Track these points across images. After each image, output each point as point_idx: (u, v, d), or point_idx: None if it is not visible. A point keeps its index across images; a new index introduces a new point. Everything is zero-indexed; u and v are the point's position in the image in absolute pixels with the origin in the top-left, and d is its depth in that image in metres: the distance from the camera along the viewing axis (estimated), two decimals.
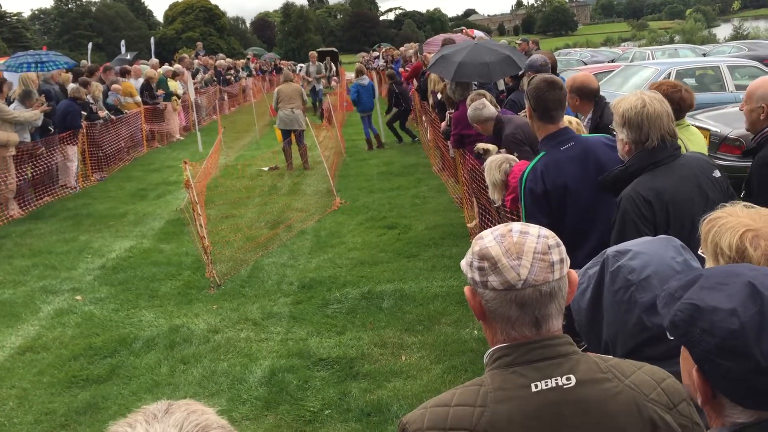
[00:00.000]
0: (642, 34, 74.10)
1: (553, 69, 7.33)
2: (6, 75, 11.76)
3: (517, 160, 4.83)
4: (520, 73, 7.86)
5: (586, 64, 20.64)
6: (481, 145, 5.94)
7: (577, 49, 34.43)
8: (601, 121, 4.99)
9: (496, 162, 4.88)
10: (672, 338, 1.31)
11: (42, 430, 4.52)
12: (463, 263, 1.53)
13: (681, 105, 4.11)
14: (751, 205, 1.95)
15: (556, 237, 1.49)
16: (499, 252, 1.45)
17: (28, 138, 10.63)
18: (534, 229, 1.49)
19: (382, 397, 4.57)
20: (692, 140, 4.18)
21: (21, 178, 10.49)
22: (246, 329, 5.87)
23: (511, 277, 1.43)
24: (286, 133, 12.98)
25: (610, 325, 1.87)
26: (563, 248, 1.48)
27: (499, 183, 4.88)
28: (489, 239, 1.48)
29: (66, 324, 6.26)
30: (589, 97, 5.10)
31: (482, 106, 5.92)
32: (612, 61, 22.40)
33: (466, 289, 1.54)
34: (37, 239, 9.19)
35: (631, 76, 12.52)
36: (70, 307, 6.66)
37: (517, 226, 1.50)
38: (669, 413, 1.45)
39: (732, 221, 1.90)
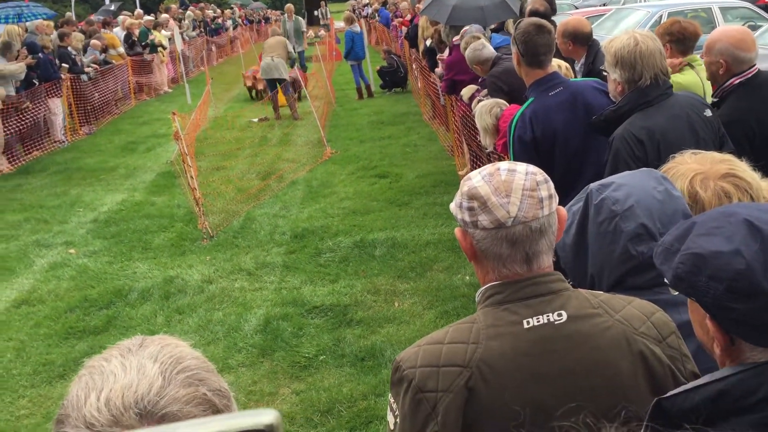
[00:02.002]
0: None
1: (548, 17, 7.26)
2: None
3: (507, 105, 4.80)
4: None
5: (577, 8, 20.35)
6: (465, 90, 5.93)
7: None
8: (594, 66, 4.96)
9: (487, 107, 4.86)
10: (677, 292, 1.30)
11: (41, 380, 4.59)
12: (452, 205, 1.54)
13: (684, 35, 4.06)
14: (699, 151, 2.03)
15: (544, 173, 1.50)
16: (488, 191, 1.45)
17: (12, 92, 10.47)
18: (522, 166, 1.50)
19: (375, 343, 4.64)
20: (703, 75, 4.08)
21: (8, 132, 10.37)
22: (240, 279, 5.92)
23: (500, 215, 1.44)
24: (271, 84, 12.86)
25: (595, 257, 1.90)
26: (551, 184, 1.49)
27: (490, 128, 4.87)
28: (477, 179, 1.49)
29: (60, 277, 6.29)
30: (582, 42, 5.04)
31: (482, 46, 5.85)
32: (604, 4, 22.07)
33: (457, 231, 1.55)
34: (28, 194, 9.15)
35: (622, 19, 12.38)
36: (63, 261, 6.68)
37: (504, 164, 1.51)
38: (658, 346, 1.48)
39: (682, 168, 1.98)
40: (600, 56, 4.99)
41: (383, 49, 17.30)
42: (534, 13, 7.20)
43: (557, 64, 4.29)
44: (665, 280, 1.30)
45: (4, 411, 4.29)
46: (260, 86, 14.71)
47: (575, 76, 4.79)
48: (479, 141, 6.75)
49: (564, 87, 3.67)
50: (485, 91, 5.79)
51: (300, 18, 18.46)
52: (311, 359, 4.56)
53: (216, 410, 0.90)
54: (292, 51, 13.79)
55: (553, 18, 7.05)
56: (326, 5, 30.88)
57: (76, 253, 6.84)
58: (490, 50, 5.84)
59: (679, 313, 1.61)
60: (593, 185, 1.97)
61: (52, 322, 5.42)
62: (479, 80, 6.28)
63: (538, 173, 1.49)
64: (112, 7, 25.25)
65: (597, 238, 1.91)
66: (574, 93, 3.66)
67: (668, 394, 1.26)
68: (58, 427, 0.87)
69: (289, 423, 3.96)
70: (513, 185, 1.45)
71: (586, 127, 3.60)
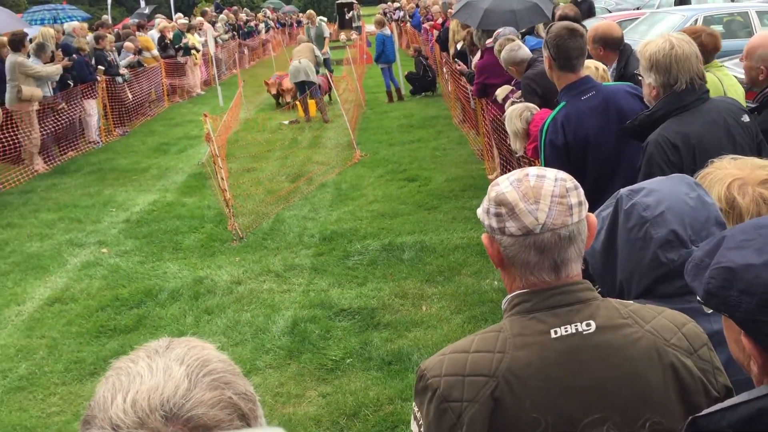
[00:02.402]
0: None
1: (578, 21, 7.21)
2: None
3: (538, 109, 4.76)
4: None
5: (610, 11, 20.14)
6: (499, 90, 5.90)
7: None
8: (625, 71, 4.89)
9: (517, 111, 4.82)
10: (710, 310, 1.26)
11: (72, 378, 4.65)
12: (480, 210, 1.52)
13: (704, 49, 4.00)
14: (738, 156, 1.98)
15: (574, 180, 1.47)
16: (516, 197, 1.43)
17: (49, 92, 10.67)
18: (551, 172, 1.47)
19: (402, 347, 4.63)
20: (726, 82, 4.06)
21: (44, 133, 10.57)
22: (268, 281, 5.94)
23: (529, 221, 1.42)
24: (300, 87, 12.97)
25: (625, 263, 1.87)
26: (581, 191, 1.46)
27: (520, 132, 4.82)
28: (505, 184, 1.46)
29: (93, 276, 6.38)
30: (613, 47, 4.97)
31: (518, 47, 5.81)
32: (638, 8, 21.80)
33: (484, 237, 1.53)
34: (63, 193, 9.31)
35: (656, 23, 12.20)
36: (96, 260, 6.78)
37: (533, 170, 1.48)
38: (690, 358, 1.44)
39: (719, 174, 1.93)
40: (632, 61, 4.92)
41: (413, 46, 17.26)
42: (564, 17, 7.16)
43: (594, 66, 4.23)
44: (698, 298, 1.26)
45: (36, 408, 4.35)
46: (288, 96, 14.31)
47: (610, 79, 4.71)
48: (509, 145, 6.70)
49: (596, 91, 3.62)
50: (519, 92, 5.75)
51: (323, 24, 17.81)
52: (338, 362, 4.55)
53: (241, 414, 0.89)
54: (320, 55, 13.88)
55: (583, 23, 7.00)
56: (358, 9, 30.97)
57: (108, 253, 6.94)
58: (525, 51, 5.79)
59: (710, 323, 1.57)
60: (623, 190, 1.94)
61: (84, 320, 5.50)
62: (513, 82, 6.24)
63: (567, 179, 1.46)
64: (147, 11, 25.63)
65: (626, 245, 1.87)
66: (607, 97, 3.61)
67: (704, 412, 1.22)
68: (84, 427, 0.87)
69: (315, 426, 3.96)
70: (542, 191, 1.43)
71: (618, 132, 3.55)
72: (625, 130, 3.33)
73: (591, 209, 2.05)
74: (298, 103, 13.56)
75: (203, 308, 5.52)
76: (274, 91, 15.14)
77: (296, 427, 3.95)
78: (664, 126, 3.03)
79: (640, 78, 3.27)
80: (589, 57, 4.74)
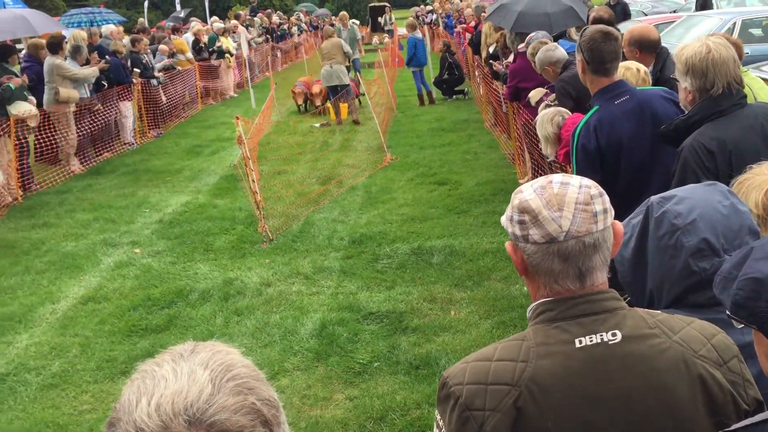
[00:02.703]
0: None
1: (611, 24, 7.12)
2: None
3: (570, 113, 4.70)
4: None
5: (646, 14, 19.87)
6: (533, 93, 5.86)
7: None
8: (662, 74, 4.81)
9: (548, 115, 4.77)
10: (740, 324, 1.23)
11: (104, 376, 4.73)
12: (504, 218, 1.51)
13: None
14: None
15: (599, 186, 1.45)
16: (540, 204, 1.41)
17: (85, 94, 10.86)
18: (575, 179, 1.45)
19: (430, 351, 4.61)
20: (754, 86, 3.99)
21: (81, 134, 10.77)
22: (297, 283, 5.97)
23: (552, 229, 1.40)
24: (332, 89, 13.02)
25: (655, 272, 1.83)
26: (606, 198, 1.44)
27: (551, 137, 4.78)
28: (528, 192, 1.45)
29: (126, 276, 6.48)
30: (649, 49, 4.89)
31: (554, 47, 5.76)
32: (674, 11, 21.49)
33: (508, 245, 1.51)
34: (98, 194, 9.47)
35: (693, 26, 12.00)
36: (129, 260, 6.88)
37: (557, 177, 1.47)
38: (719, 370, 1.41)
39: (757, 180, 1.88)
40: (668, 64, 4.84)
41: (443, 40, 17.14)
42: (597, 20, 7.06)
43: (636, 68, 4.15)
44: (726, 312, 1.23)
45: (68, 405, 4.43)
46: (318, 100, 14.24)
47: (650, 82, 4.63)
48: (541, 149, 6.65)
49: (630, 95, 3.57)
50: (553, 95, 5.70)
51: (355, 26, 17.39)
52: (365, 365, 4.55)
53: (264, 420, 0.89)
54: (349, 51, 13.79)
55: (618, 26, 6.90)
56: (390, 12, 31.01)
57: (141, 253, 7.04)
58: (562, 52, 5.73)
59: (741, 334, 1.54)
60: (654, 198, 1.91)
61: (116, 319, 5.58)
62: (546, 85, 6.18)
63: (592, 186, 1.44)
64: (182, 14, 25.98)
65: (657, 253, 1.84)
66: (641, 102, 3.56)
67: (734, 427, 1.19)
68: (109, 429, 0.88)
69: (342, 429, 3.96)
70: (566, 198, 1.41)
71: (653, 138, 3.49)
72: (660, 135, 3.28)
73: (624, 216, 2.02)
74: (329, 105, 13.64)
75: (233, 309, 5.57)
76: (300, 101, 14.82)
77: (323, 430, 3.96)
78: (700, 131, 2.97)
79: (676, 82, 3.22)
80: (625, 59, 4.68)
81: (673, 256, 1.80)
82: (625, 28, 6.86)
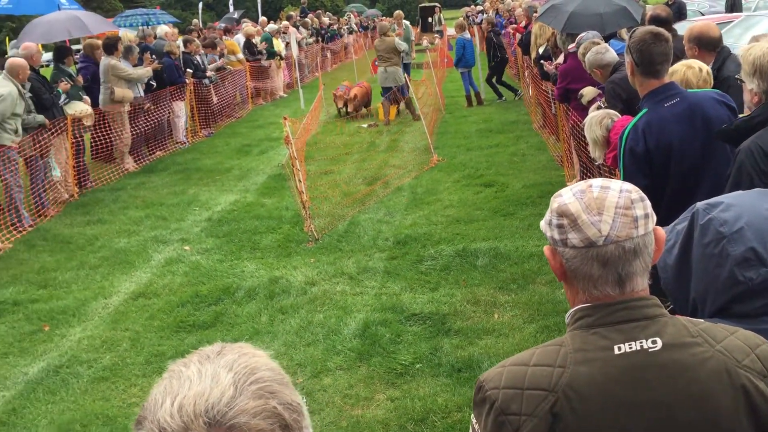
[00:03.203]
0: None
1: (669, 22, 6.97)
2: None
3: (619, 116, 4.62)
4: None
5: (702, 14, 19.38)
6: (586, 91, 5.78)
7: None
8: (720, 73, 4.68)
9: (597, 117, 4.69)
10: None
11: (152, 370, 4.83)
12: (542, 222, 1.50)
13: None
14: None
15: (640, 191, 1.43)
16: (579, 208, 1.40)
17: (141, 94, 11.13)
18: (616, 183, 1.43)
19: (473, 354, 4.59)
20: None
21: (135, 133, 11.04)
22: (342, 283, 6.01)
23: (591, 233, 1.38)
24: (386, 90, 13.10)
25: (700, 280, 1.79)
26: (648, 203, 1.42)
27: (600, 139, 4.69)
28: (568, 196, 1.44)
29: (175, 272, 6.61)
30: (709, 47, 4.76)
31: (605, 50, 5.68)
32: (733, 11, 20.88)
33: (546, 249, 1.50)
34: (150, 192, 9.70)
35: (751, 26, 11.64)
36: (178, 257, 7.02)
37: (597, 181, 1.45)
38: (763, 381, 1.37)
39: None
40: (728, 64, 4.70)
41: (486, 18, 16.91)
42: (655, 18, 6.92)
43: (698, 67, 4.05)
44: None
45: (117, 398, 4.55)
46: (352, 106, 14.12)
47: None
48: (590, 152, 6.55)
49: (681, 98, 3.49)
50: (604, 98, 5.62)
51: (410, 27, 16.84)
52: (407, 366, 4.56)
53: (284, 425, 0.90)
54: (405, 47, 13.82)
55: (674, 26, 6.74)
56: (440, 12, 30.92)
57: (190, 250, 7.18)
58: (612, 55, 5.64)
59: None
60: (700, 204, 1.87)
61: (165, 315, 5.70)
62: (598, 86, 6.10)
63: (633, 191, 1.42)
64: (236, 15, 26.39)
65: (702, 261, 1.80)
66: (693, 104, 3.48)
67: None
68: (136, 428, 0.91)
69: (383, 429, 3.98)
70: (606, 203, 1.39)
71: (704, 141, 3.41)
72: (720, 133, 3.18)
73: (673, 220, 1.98)
74: (379, 106, 13.70)
75: (278, 308, 5.63)
76: (341, 104, 14.50)
77: (364, 429, 3.98)
78: (760, 134, 2.88)
79: (741, 82, 3.12)
80: (679, 59, 4.57)
81: (718, 265, 1.76)
82: (682, 28, 6.71)
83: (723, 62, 4.72)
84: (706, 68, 4.10)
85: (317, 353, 4.82)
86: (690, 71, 3.99)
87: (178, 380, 0.91)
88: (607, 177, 4.78)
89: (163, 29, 14.06)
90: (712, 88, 4.39)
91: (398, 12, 17.05)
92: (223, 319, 5.55)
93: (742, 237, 1.70)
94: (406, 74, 13.81)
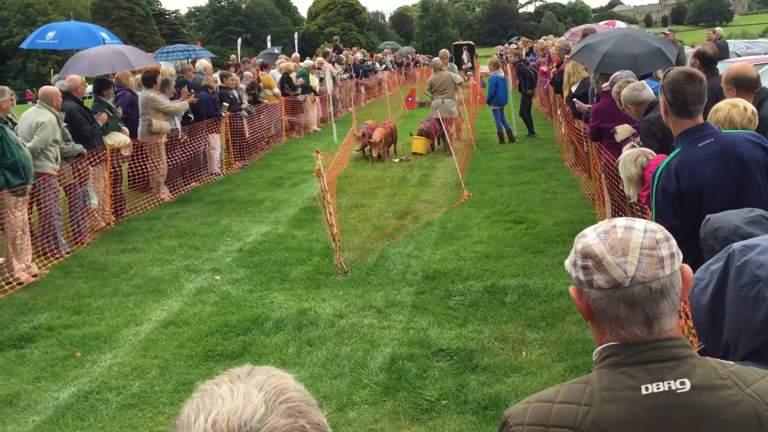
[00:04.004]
0: None
1: (714, 61, 6.95)
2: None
3: (654, 154, 4.60)
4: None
5: (739, 56, 19.27)
6: (621, 129, 5.78)
7: (731, 41, 32.20)
8: (759, 114, 4.64)
9: (632, 156, 4.68)
10: None
11: (180, 399, 4.86)
12: (567, 262, 1.50)
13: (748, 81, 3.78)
14: None
15: (665, 230, 1.42)
16: (603, 249, 1.40)
17: (177, 126, 11.39)
18: (640, 223, 1.43)
19: (500, 392, 4.54)
20: None
21: (171, 163, 11.27)
22: (369, 316, 6.01)
23: (617, 274, 1.38)
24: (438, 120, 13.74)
25: (733, 322, 1.77)
26: (673, 242, 1.41)
27: (634, 177, 4.68)
28: (592, 236, 1.44)
29: (205, 302, 6.68)
30: (747, 88, 4.74)
31: (642, 87, 5.68)
32: None
33: (572, 289, 1.50)
34: (184, 221, 9.85)
35: None
36: (209, 286, 7.10)
37: (621, 221, 1.45)
38: None
39: None
40: (766, 104, 4.67)
41: (514, 53, 17.18)
42: (701, 54, 6.91)
43: (743, 106, 4.03)
44: None
45: (144, 426, 4.58)
46: (376, 152, 13.50)
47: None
48: (621, 190, 6.51)
49: (714, 138, 3.48)
50: (639, 137, 5.61)
51: (455, 65, 16.50)
52: (433, 403, 4.52)
53: None
54: (461, 80, 14.69)
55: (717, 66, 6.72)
56: (466, 50, 31.21)
57: (221, 280, 7.26)
58: (649, 92, 5.64)
59: None
60: (736, 245, 1.85)
61: (195, 344, 5.75)
62: (633, 124, 6.09)
63: (657, 230, 1.42)
64: (276, 50, 26.95)
65: (736, 303, 1.78)
66: (726, 145, 3.46)
67: None
68: None
69: None
70: (630, 243, 1.39)
71: (737, 181, 3.39)
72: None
73: (706, 260, 1.96)
74: (413, 139, 13.86)
75: (305, 339, 5.65)
76: (359, 146, 13.86)
77: None
78: None
79: None
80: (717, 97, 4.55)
81: (753, 309, 1.74)
82: (722, 67, 6.69)
83: (761, 102, 4.69)
84: (752, 108, 4.07)
85: (343, 386, 4.81)
86: (735, 110, 3.97)
87: (210, 398, 0.95)
88: (639, 216, 4.76)
89: (202, 63, 14.43)
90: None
91: (444, 51, 16.91)
92: (251, 349, 5.57)
93: None
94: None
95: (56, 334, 6.09)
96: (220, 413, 0.92)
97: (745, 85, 4.69)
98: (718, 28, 18.58)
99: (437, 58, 15.28)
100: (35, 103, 8.64)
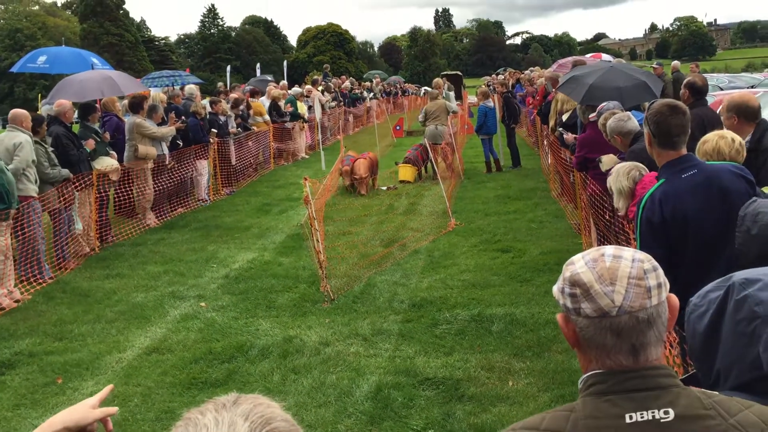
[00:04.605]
0: None
1: (704, 92, 7.09)
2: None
3: (647, 170, 4.63)
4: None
5: (722, 89, 19.59)
6: (606, 159, 5.84)
7: (714, 74, 32.69)
8: (759, 145, 4.69)
9: (625, 168, 4.72)
10: None
11: (161, 427, 4.80)
12: (555, 289, 1.51)
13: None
14: None
15: (653, 260, 1.43)
16: (591, 278, 1.41)
17: (164, 152, 11.37)
18: (628, 252, 1.44)
19: (486, 422, 4.51)
20: None
21: (157, 189, 11.23)
22: (356, 344, 5.98)
23: (604, 303, 1.39)
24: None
25: (727, 354, 1.77)
26: (660, 272, 1.42)
27: (625, 190, 4.71)
28: (580, 264, 1.44)
29: (190, 328, 6.62)
30: (749, 117, 4.78)
31: (627, 118, 5.76)
32: (752, 87, 21.11)
33: (559, 317, 1.51)
34: (170, 247, 9.79)
35: None
36: (194, 313, 7.04)
37: (609, 249, 1.46)
38: None
39: None
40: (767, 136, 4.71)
41: (500, 83, 17.48)
42: (691, 85, 7.04)
43: (731, 138, 4.07)
44: None
45: None
46: (362, 189, 12.98)
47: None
48: (607, 219, 6.56)
49: (698, 169, 3.53)
50: None
51: (451, 94, 16.11)
52: None
53: None
54: (455, 108, 15.21)
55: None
56: (461, 79, 31.53)
57: (206, 307, 7.20)
58: (634, 123, 5.72)
59: None
60: (737, 277, 1.84)
61: (178, 371, 5.69)
62: (619, 155, 6.16)
63: (645, 260, 1.43)
64: (269, 78, 27.04)
65: (732, 336, 1.78)
66: (710, 176, 3.51)
67: None
68: None
69: None
70: (618, 272, 1.40)
71: (721, 212, 3.42)
72: None
73: (691, 290, 1.97)
74: (400, 167, 13.92)
75: (291, 367, 5.60)
76: (348, 182, 13.18)
77: None
78: None
79: None
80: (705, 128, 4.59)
81: (748, 345, 1.74)
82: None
83: (763, 133, 4.72)
84: (739, 139, 4.11)
85: (328, 415, 4.77)
86: (722, 141, 4.01)
87: (194, 427, 0.94)
88: (624, 245, 4.78)
89: (191, 89, 14.47)
90: (754, 158, 4.37)
91: (437, 80, 16.70)
92: (236, 377, 5.52)
93: None
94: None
95: (37, 361, 6.00)
96: None
97: (748, 114, 4.73)
98: (675, 62, 19.09)
99: (432, 89, 15.71)
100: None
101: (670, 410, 1.37)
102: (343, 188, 13.39)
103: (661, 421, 1.36)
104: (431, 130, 13.97)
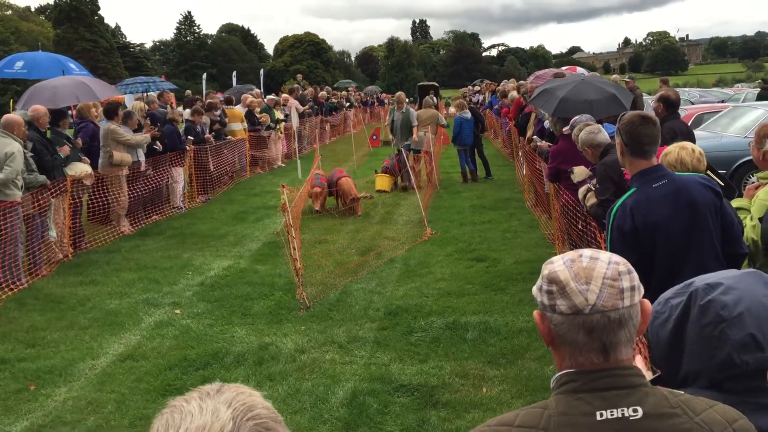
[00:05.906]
0: (758, 75, 70.90)
1: (676, 105, 7.29)
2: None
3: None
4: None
5: (693, 103, 19.96)
6: (578, 170, 5.98)
7: (686, 89, 33.26)
8: None
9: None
10: None
11: None
12: (534, 287, 1.57)
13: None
14: None
15: (628, 264, 1.49)
16: (568, 276, 1.46)
17: (140, 158, 11.30)
18: (605, 255, 1.50)
19: (460, 428, 4.56)
20: None
21: (132, 196, 11.15)
22: (331, 351, 6.00)
23: (578, 301, 1.45)
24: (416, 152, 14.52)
25: (694, 359, 1.83)
26: (635, 275, 1.48)
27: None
28: (558, 263, 1.50)
29: (165, 335, 6.59)
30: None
31: (598, 130, 5.90)
32: (722, 101, 21.54)
33: (536, 314, 1.56)
34: (144, 254, 9.73)
35: (738, 117, 12.04)
36: (169, 320, 7.01)
37: (587, 251, 1.52)
38: None
39: None
40: None
41: (462, 94, 17.83)
42: (665, 98, 7.23)
43: (691, 148, 4.18)
44: None
45: None
46: (317, 204, 11.85)
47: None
48: (580, 229, 6.67)
49: (669, 180, 3.62)
50: (596, 179, 5.78)
51: (411, 110, 15.24)
52: None
53: None
54: (444, 122, 16.10)
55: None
56: (438, 90, 31.74)
57: (181, 314, 7.17)
58: (605, 136, 5.85)
59: (765, 419, 1.53)
60: (699, 283, 1.91)
61: (153, 378, 5.66)
62: (591, 167, 6.28)
63: (621, 263, 1.48)
64: (253, 88, 26.95)
65: (698, 341, 1.84)
66: (679, 187, 3.61)
67: None
68: None
69: None
70: (594, 273, 1.46)
71: (687, 222, 3.53)
72: None
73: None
74: (378, 175, 14.02)
75: (266, 374, 5.61)
76: (317, 207, 11.85)
77: None
78: None
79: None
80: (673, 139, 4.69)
81: (716, 348, 1.80)
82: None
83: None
84: (699, 149, 4.25)
85: (304, 421, 4.78)
86: (684, 152, 4.14)
87: (180, 414, 0.97)
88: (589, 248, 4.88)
89: (169, 96, 14.40)
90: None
91: (400, 94, 16.03)
92: (211, 383, 5.49)
93: (742, 322, 1.75)
94: (406, 151, 14.16)
95: (9, 367, 5.93)
96: (189, 429, 0.95)
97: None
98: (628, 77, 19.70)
99: (428, 98, 16.31)
100: None
101: (639, 408, 1.43)
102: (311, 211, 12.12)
103: (631, 418, 1.42)
104: (422, 137, 14.40)
